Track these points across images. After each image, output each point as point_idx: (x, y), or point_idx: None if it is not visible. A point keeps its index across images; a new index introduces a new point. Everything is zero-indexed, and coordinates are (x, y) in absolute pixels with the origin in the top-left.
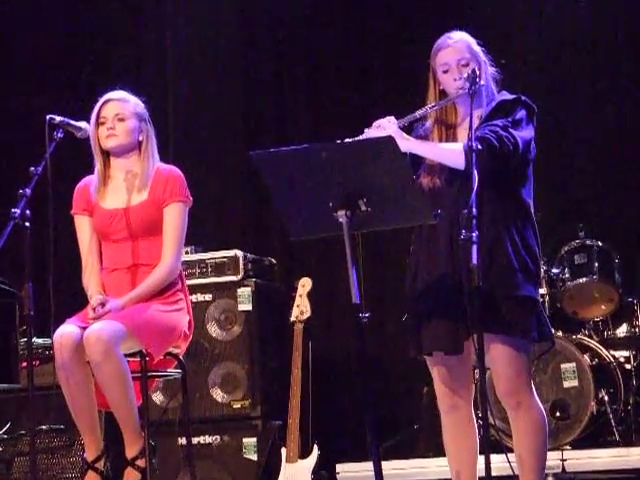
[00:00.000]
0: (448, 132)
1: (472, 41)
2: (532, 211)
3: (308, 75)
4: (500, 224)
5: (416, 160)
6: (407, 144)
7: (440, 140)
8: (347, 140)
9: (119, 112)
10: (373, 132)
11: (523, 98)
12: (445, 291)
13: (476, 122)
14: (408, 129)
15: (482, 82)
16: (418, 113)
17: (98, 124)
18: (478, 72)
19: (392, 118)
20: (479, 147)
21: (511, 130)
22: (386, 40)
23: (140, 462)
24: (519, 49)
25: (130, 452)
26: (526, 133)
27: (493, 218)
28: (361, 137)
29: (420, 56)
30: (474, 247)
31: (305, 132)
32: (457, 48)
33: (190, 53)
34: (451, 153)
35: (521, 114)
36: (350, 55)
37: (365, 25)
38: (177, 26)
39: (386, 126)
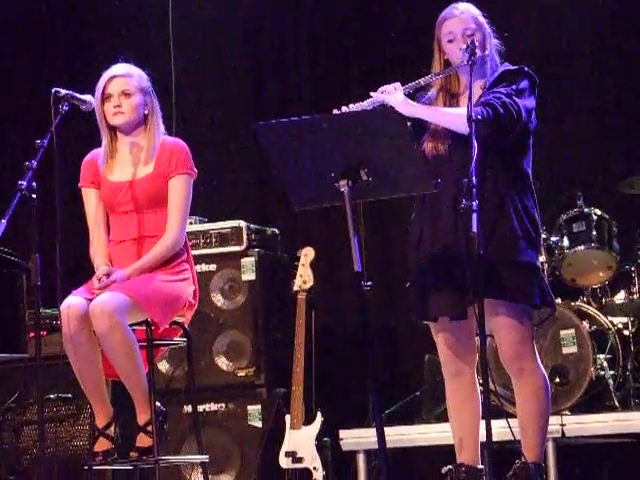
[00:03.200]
0: (452, 101)
1: (478, 12)
2: (531, 180)
3: (311, 48)
4: (503, 192)
5: (420, 127)
6: (412, 109)
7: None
8: (350, 106)
9: (125, 88)
10: (379, 96)
11: (526, 69)
12: (449, 258)
13: (479, 92)
14: (411, 97)
15: (486, 52)
16: (422, 80)
17: (104, 100)
18: (480, 43)
19: (398, 84)
20: (484, 112)
21: (515, 98)
22: (389, 13)
23: (152, 428)
24: (518, 19)
25: (141, 418)
26: (528, 102)
27: (496, 186)
28: (366, 102)
29: (424, 27)
30: (474, 215)
31: (309, 101)
32: (463, 18)
33: (193, 29)
34: (456, 117)
35: (524, 84)
36: (353, 28)
37: (371, 18)
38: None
39: (391, 91)
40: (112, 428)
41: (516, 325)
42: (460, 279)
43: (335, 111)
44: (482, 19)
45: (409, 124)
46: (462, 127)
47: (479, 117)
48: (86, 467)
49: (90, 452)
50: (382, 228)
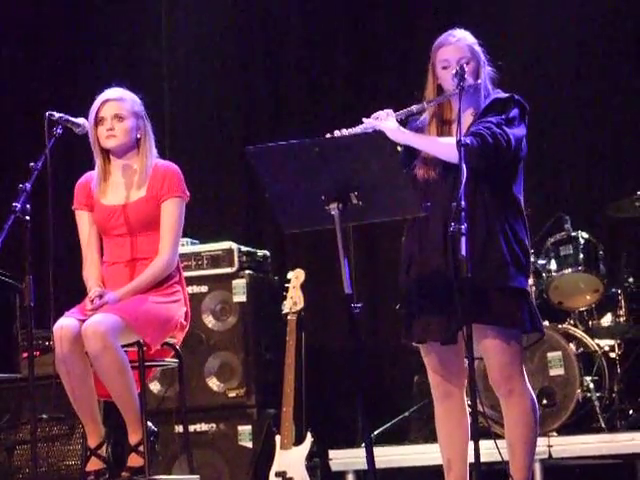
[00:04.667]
0: (444, 127)
1: (474, 41)
2: (522, 206)
3: (304, 68)
4: (493, 218)
5: (412, 152)
6: (403, 136)
7: (436, 135)
8: (343, 131)
9: (117, 112)
10: (371, 123)
11: (516, 97)
12: (439, 282)
13: (470, 119)
14: (403, 123)
15: (479, 81)
16: (415, 107)
17: (97, 123)
18: (473, 71)
19: (390, 111)
20: (474, 142)
21: (504, 127)
22: (385, 36)
23: (143, 448)
24: (509, 47)
25: (133, 438)
26: (518, 131)
27: (486, 212)
28: (358, 128)
29: (416, 52)
30: (463, 239)
31: (301, 126)
32: (458, 46)
33: (186, 47)
34: (446, 147)
35: (514, 112)
36: (348, 49)
37: (363, 19)
38: (173, 19)
39: (384, 118)
40: (104, 448)
41: (505, 348)
42: (449, 303)
43: (328, 135)
44: (478, 48)
45: (400, 149)
46: (453, 156)
47: (468, 147)
48: None
49: (82, 472)
50: (369, 250)
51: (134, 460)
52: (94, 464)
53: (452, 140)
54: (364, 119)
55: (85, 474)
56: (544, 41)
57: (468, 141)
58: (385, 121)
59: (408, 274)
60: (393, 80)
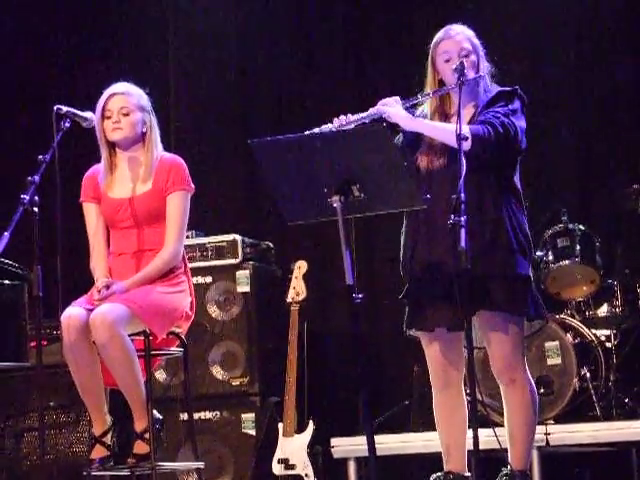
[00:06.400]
0: (445, 121)
1: (472, 34)
2: (522, 197)
3: (305, 64)
4: (501, 207)
5: (415, 141)
6: (412, 122)
7: None
8: (349, 115)
9: (124, 106)
10: (380, 109)
11: (519, 90)
12: (443, 272)
13: (470, 112)
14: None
15: (480, 73)
16: (421, 96)
17: (103, 117)
18: (474, 64)
19: (397, 98)
20: (486, 131)
21: (512, 118)
22: (384, 35)
23: (148, 436)
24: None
25: (139, 426)
26: (522, 123)
27: (494, 202)
28: (365, 113)
29: (413, 46)
30: (462, 231)
31: (303, 116)
32: (459, 39)
33: (191, 47)
34: (452, 132)
35: (517, 105)
36: (349, 42)
37: (363, 13)
38: (180, 14)
39: (391, 104)
40: (109, 436)
41: (508, 337)
42: (454, 292)
43: (335, 120)
44: (476, 41)
45: (401, 139)
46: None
47: (479, 135)
48: (85, 473)
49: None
50: (367, 241)
51: (140, 447)
52: (99, 451)
53: (464, 127)
54: (370, 108)
55: (90, 461)
56: (535, 30)
57: (479, 128)
58: (394, 107)
59: (412, 263)
60: (394, 80)
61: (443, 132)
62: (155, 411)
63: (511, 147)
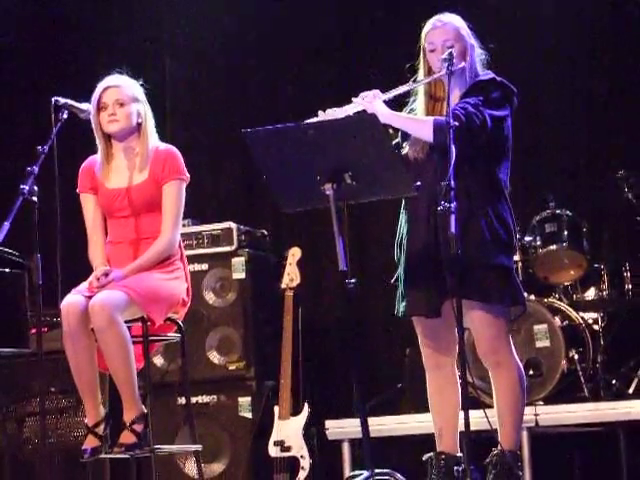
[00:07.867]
0: (436, 105)
1: (461, 25)
2: (505, 186)
3: (302, 55)
4: (473, 198)
5: (405, 132)
6: (386, 116)
7: (428, 112)
8: (328, 111)
9: (119, 98)
10: (360, 102)
11: (498, 79)
12: (426, 259)
13: (458, 100)
14: (398, 102)
15: (463, 64)
16: (402, 88)
17: (99, 109)
18: (459, 54)
19: (377, 91)
20: (445, 121)
21: (481, 108)
22: (383, 35)
23: (136, 426)
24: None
25: (128, 416)
26: (497, 112)
27: (467, 192)
28: (346, 107)
29: (406, 36)
30: (452, 217)
31: (295, 110)
32: (444, 30)
33: (185, 37)
34: (421, 126)
35: (495, 94)
36: (338, 31)
37: (360, 18)
38: (174, 5)
39: (370, 98)
40: (101, 427)
41: (491, 321)
42: (434, 277)
43: (320, 113)
44: (464, 31)
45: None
46: (427, 135)
47: (441, 125)
48: (82, 460)
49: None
50: (358, 226)
51: (126, 437)
52: (91, 441)
53: (427, 119)
54: (353, 99)
55: (82, 451)
56: (528, 24)
57: (443, 121)
58: (372, 102)
59: (400, 249)
60: (390, 76)
61: (410, 124)
62: (142, 405)
63: (477, 137)
